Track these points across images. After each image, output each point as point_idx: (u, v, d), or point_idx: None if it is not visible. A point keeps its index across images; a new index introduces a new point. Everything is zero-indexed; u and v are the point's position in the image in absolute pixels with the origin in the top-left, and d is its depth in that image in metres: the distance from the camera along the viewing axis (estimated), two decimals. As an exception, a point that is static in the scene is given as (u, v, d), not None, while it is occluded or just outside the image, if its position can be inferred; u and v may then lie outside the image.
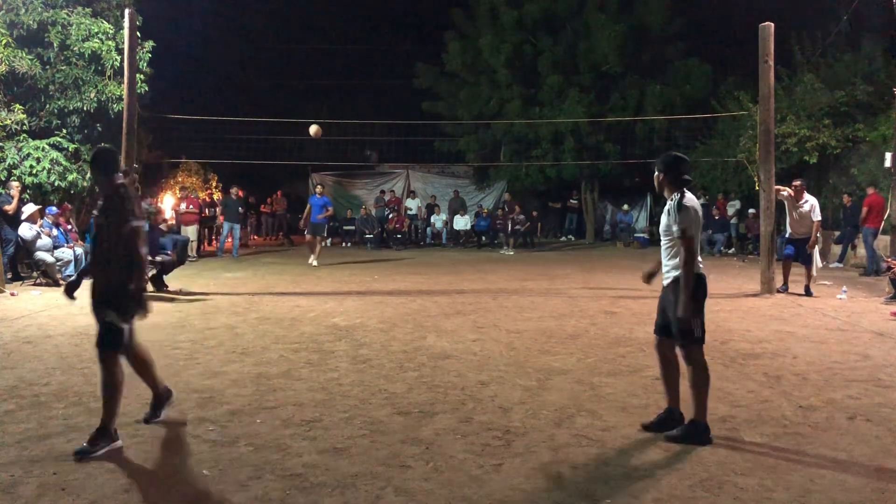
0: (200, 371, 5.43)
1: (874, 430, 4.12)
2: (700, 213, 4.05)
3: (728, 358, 5.93)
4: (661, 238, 4.16)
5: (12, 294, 9.41)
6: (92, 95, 12.22)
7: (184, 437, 3.98)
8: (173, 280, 10.67)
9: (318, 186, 14.66)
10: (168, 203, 17.17)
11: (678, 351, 4.06)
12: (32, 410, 4.42)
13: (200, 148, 14.93)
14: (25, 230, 10.33)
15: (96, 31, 12.16)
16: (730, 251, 16.71)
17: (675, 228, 3.98)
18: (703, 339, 3.99)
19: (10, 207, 10.51)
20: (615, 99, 19.31)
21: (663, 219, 4.12)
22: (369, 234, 19.61)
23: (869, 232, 12.20)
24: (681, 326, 3.92)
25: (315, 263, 13.65)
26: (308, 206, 13.99)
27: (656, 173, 4.17)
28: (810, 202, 9.69)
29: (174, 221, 15.25)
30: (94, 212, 4.05)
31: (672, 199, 4.05)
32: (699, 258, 4.03)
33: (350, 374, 5.38)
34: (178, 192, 17.62)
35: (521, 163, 19.95)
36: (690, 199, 4.01)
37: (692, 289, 3.90)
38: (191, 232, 15.32)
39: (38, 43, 12.06)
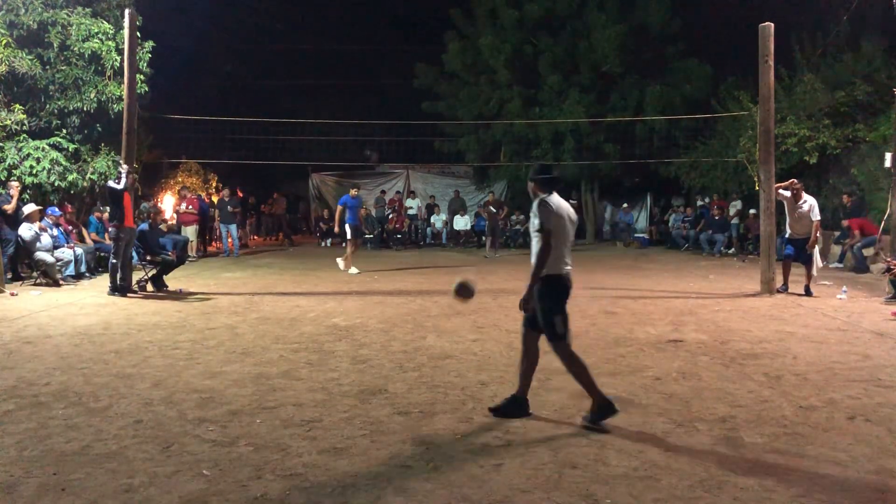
0: (200, 371, 5.44)
1: (874, 430, 4.12)
2: (568, 216, 4.31)
3: (728, 358, 5.93)
4: (533, 239, 4.35)
5: (12, 294, 9.41)
6: (92, 95, 12.21)
7: (184, 437, 3.98)
8: (173, 280, 10.68)
9: (354, 189, 13.47)
10: (168, 203, 17.18)
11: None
12: (32, 410, 4.43)
13: (200, 148, 14.92)
14: (25, 230, 10.34)
15: (96, 31, 12.16)
16: (730, 251, 16.70)
17: (535, 222, 4.24)
18: (566, 335, 4.22)
19: (9, 207, 10.51)
20: (615, 99, 19.29)
21: (532, 219, 4.34)
22: (369, 234, 19.60)
23: (870, 240, 12.26)
24: (543, 321, 4.20)
25: (355, 271, 12.57)
26: (340, 207, 12.87)
27: (528, 183, 4.48)
28: (809, 202, 9.69)
29: (174, 221, 15.26)
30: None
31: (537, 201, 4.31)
32: (567, 261, 4.29)
33: (350, 374, 5.38)
34: (178, 192, 17.61)
35: (521, 163, 19.94)
36: (555, 200, 4.29)
37: (552, 288, 4.20)
38: (190, 232, 15.32)
39: (38, 43, 12.05)
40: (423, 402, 4.66)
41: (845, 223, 13.32)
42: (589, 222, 21.51)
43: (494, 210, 17.42)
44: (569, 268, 4.32)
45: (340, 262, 12.80)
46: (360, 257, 16.14)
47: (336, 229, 13.27)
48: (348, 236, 12.88)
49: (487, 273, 12.72)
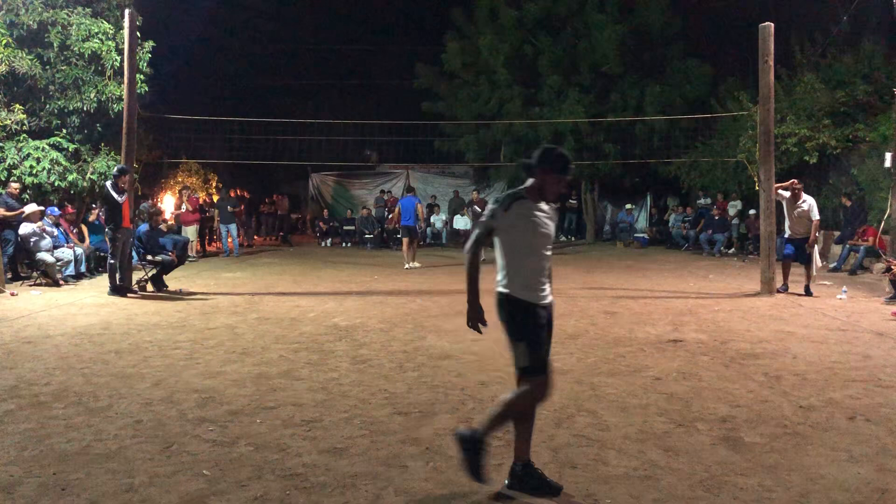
0: (200, 371, 5.43)
1: (874, 430, 4.12)
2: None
3: (728, 358, 5.93)
4: (544, 248, 3.38)
5: (12, 294, 9.41)
6: (92, 95, 12.21)
7: (184, 437, 3.98)
8: (173, 280, 10.67)
9: (412, 191, 14.68)
10: (168, 203, 17.18)
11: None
12: (32, 410, 4.43)
13: (200, 148, 14.92)
14: (25, 230, 10.35)
15: (96, 31, 12.15)
16: (730, 251, 16.71)
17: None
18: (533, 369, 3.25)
19: (10, 214, 10.52)
20: (615, 99, 19.28)
21: (550, 224, 3.39)
22: (369, 234, 19.60)
23: (868, 249, 12.27)
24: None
25: (414, 265, 13.50)
26: (399, 207, 13.86)
27: (565, 176, 3.37)
28: (809, 202, 9.70)
29: (173, 222, 15.25)
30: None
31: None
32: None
33: (350, 374, 5.38)
34: (177, 192, 17.60)
35: (521, 163, 19.91)
36: None
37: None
38: (191, 232, 15.31)
39: (38, 43, 12.05)
40: (423, 402, 4.65)
41: (862, 228, 13.07)
42: (589, 222, 21.52)
43: (479, 210, 16.62)
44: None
45: (411, 263, 13.60)
46: (359, 257, 16.15)
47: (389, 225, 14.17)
48: (401, 236, 13.94)
49: (487, 273, 12.69)
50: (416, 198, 14.12)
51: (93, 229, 12.37)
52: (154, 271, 10.18)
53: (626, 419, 4.30)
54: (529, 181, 3.40)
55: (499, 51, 19.41)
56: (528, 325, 3.27)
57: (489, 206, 3.40)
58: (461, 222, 20.35)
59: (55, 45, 12.00)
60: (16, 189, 10.95)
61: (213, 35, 23.14)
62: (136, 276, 10.15)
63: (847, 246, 12.90)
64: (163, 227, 11.62)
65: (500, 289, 3.35)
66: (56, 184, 11.87)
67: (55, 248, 10.71)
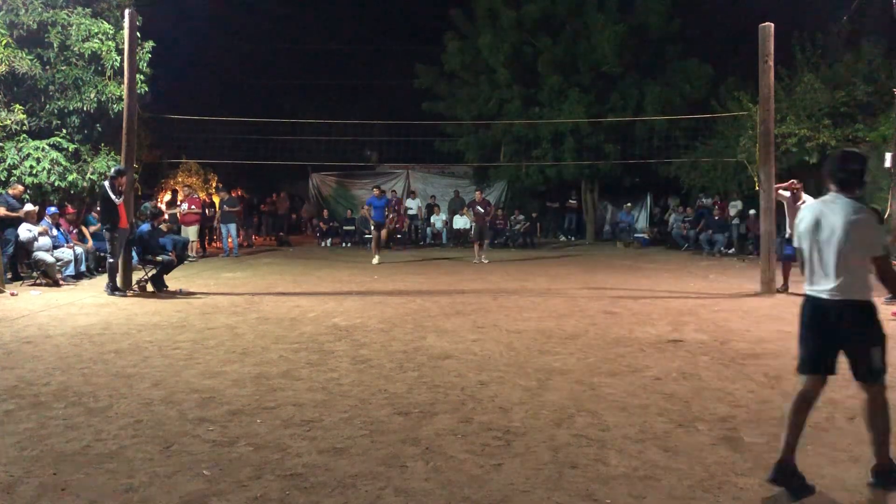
0: (200, 371, 5.44)
1: (874, 430, 4.11)
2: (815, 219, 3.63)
3: (728, 358, 5.93)
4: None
5: (12, 294, 9.41)
6: (92, 95, 12.21)
7: (184, 437, 3.98)
8: (173, 280, 10.68)
9: (376, 189, 15.61)
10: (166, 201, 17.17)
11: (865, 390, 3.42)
12: (32, 410, 4.43)
13: (200, 148, 14.91)
14: (23, 231, 10.35)
15: (96, 31, 12.16)
16: (730, 251, 16.71)
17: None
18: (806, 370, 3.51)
19: (11, 215, 10.52)
20: (615, 99, 19.29)
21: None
22: (369, 234, 19.56)
23: None
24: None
25: (376, 261, 14.21)
26: (367, 206, 14.97)
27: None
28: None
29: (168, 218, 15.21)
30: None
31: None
32: (815, 278, 3.51)
33: (350, 374, 5.38)
34: (170, 191, 17.55)
35: (521, 163, 19.94)
36: (814, 201, 3.79)
37: (801, 309, 3.55)
38: (192, 232, 15.29)
39: (38, 43, 12.05)
40: (423, 402, 4.66)
41: None
42: (589, 222, 21.52)
43: (482, 210, 16.05)
44: (817, 287, 3.45)
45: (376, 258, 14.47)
46: (359, 257, 16.13)
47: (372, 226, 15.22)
48: (373, 229, 14.97)
49: (487, 273, 12.72)
50: (371, 198, 15.29)
51: None
52: (154, 271, 10.18)
53: (626, 419, 4.30)
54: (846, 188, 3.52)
55: (499, 51, 19.41)
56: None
57: (876, 226, 3.44)
58: (461, 222, 20.33)
59: (55, 45, 12.01)
60: (20, 191, 10.97)
61: (213, 35, 23.13)
62: (137, 276, 10.15)
63: None
64: (163, 227, 11.63)
65: (866, 297, 3.42)
66: (56, 184, 11.87)
67: (55, 248, 10.71)
